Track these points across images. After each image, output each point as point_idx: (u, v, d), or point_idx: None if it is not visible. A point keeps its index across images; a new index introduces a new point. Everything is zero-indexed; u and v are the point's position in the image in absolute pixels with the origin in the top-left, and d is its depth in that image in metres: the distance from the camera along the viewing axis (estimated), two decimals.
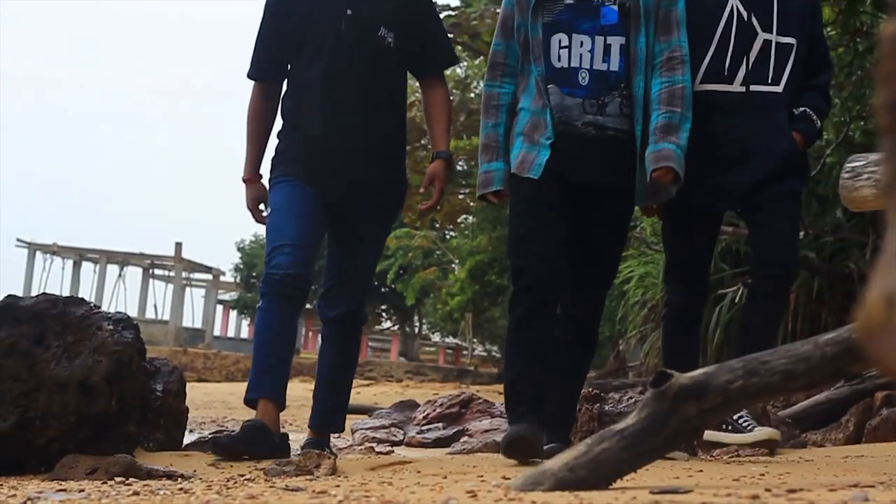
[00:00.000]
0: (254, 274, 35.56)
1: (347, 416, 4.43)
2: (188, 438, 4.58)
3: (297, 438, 6.25)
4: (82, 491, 2.76)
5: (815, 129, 3.99)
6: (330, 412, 4.20)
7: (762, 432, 3.93)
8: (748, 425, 3.93)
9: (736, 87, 3.91)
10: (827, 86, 4.16)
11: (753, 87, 3.92)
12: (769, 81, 3.94)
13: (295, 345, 4.18)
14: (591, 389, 5.06)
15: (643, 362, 9.49)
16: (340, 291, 4.10)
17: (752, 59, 3.93)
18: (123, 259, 35.47)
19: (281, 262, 3.90)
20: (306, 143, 4.04)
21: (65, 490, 2.83)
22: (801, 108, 3.97)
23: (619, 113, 3.71)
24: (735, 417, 3.92)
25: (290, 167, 4.04)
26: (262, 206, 4.15)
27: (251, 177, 4.20)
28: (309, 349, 36.25)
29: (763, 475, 2.97)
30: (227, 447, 3.78)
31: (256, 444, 3.76)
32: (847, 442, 5.02)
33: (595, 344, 4.01)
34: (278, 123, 4.22)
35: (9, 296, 3.72)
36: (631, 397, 4.82)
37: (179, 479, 3.19)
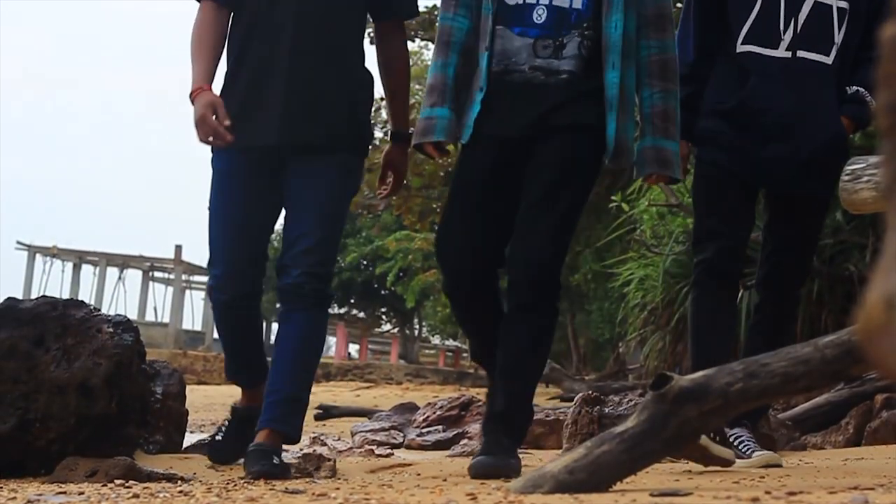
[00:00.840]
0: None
1: (348, 417, 4.40)
2: (188, 441, 4.57)
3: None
4: (82, 493, 2.76)
5: (868, 112, 3.55)
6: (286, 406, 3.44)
7: (761, 457, 3.57)
8: (747, 449, 3.61)
9: (781, 51, 3.52)
10: None
11: (801, 53, 3.52)
12: (819, 49, 3.52)
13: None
14: (590, 392, 5.06)
15: (643, 365, 9.49)
16: (297, 259, 3.43)
17: (801, 21, 3.51)
18: (123, 261, 35.46)
19: (220, 285, 3.56)
20: (251, 89, 3.44)
21: (65, 492, 2.83)
22: (854, 88, 3.59)
23: (576, 54, 3.18)
24: (735, 442, 3.60)
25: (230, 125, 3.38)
26: (215, 114, 3.33)
27: (200, 86, 3.40)
28: None
29: (763, 478, 2.97)
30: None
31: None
32: (847, 444, 5.02)
33: (546, 318, 3.25)
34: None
35: (9, 298, 3.71)
36: (631, 400, 4.82)
37: (179, 482, 3.19)
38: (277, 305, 3.66)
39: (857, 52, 3.59)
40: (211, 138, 3.34)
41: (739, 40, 3.55)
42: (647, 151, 3.28)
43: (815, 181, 3.57)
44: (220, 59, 3.53)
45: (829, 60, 3.53)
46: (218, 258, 3.56)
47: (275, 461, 3.28)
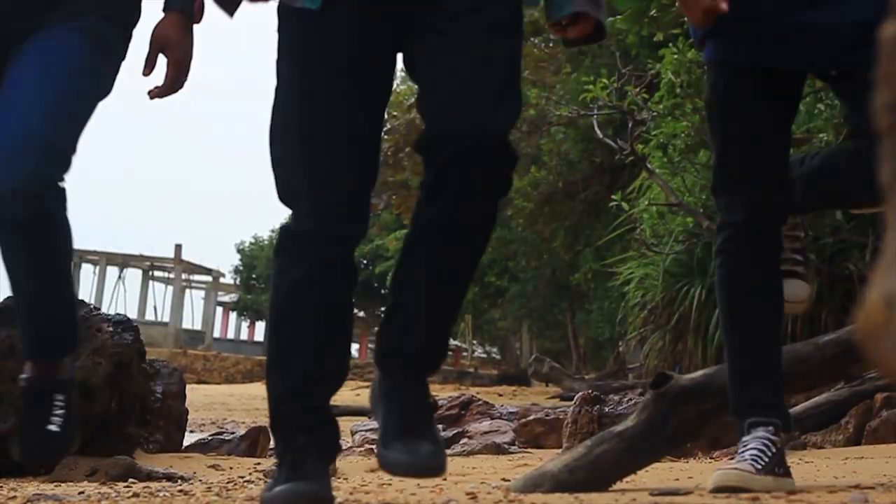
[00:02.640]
0: (253, 276, 35.57)
1: (348, 417, 4.38)
2: (188, 440, 4.58)
3: None
4: (82, 493, 2.76)
5: None
6: (41, 332, 2.58)
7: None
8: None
9: None
10: None
11: None
12: None
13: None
14: (590, 391, 5.06)
15: (643, 364, 9.49)
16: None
17: None
18: (123, 261, 35.46)
19: None
20: None
21: (65, 491, 2.83)
22: None
23: None
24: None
25: None
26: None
27: None
28: None
29: None
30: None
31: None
32: (847, 443, 5.02)
33: None
34: None
35: (9, 297, 3.72)
36: (631, 399, 4.82)
37: (179, 481, 3.19)
38: None
39: None
40: None
41: None
42: None
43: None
44: None
45: None
46: None
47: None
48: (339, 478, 3.32)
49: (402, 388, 2.07)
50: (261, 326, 40.13)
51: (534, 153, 14.01)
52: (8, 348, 3.55)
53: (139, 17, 2.52)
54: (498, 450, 4.84)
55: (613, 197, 9.09)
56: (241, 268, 35.63)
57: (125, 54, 2.50)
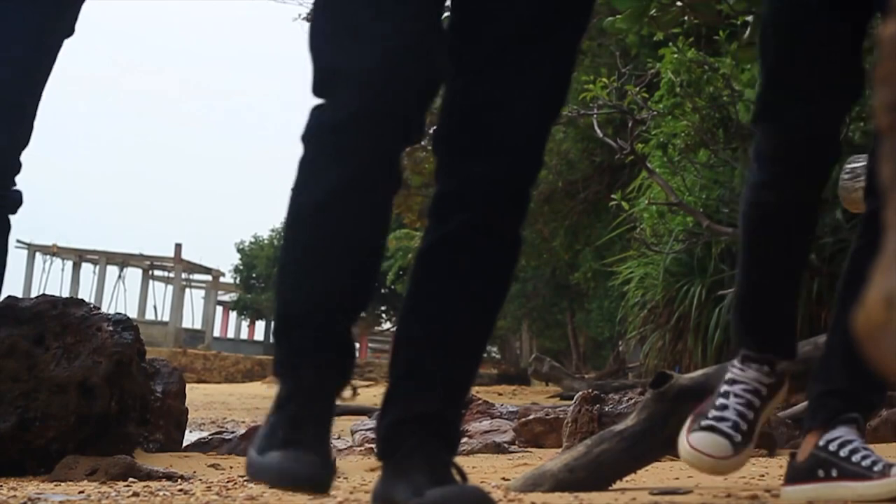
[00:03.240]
0: (253, 275, 35.56)
1: (347, 416, 4.39)
2: (188, 439, 4.58)
3: None
4: (82, 492, 2.76)
5: None
6: None
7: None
8: (875, 465, 2.07)
9: None
10: None
11: None
12: None
13: None
14: (590, 390, 5.06)
15: (643, 363, 9.49)
16: None
17: None
18: (123, 260, 35.46)
19: None
20: None
21: (65, 491, 2.83)
22: None
23: None
24: (847, 453, 2.02)
25: None
26: None
27: None
28: None
29: (763, 476, 2.97)
30: None
31: None
32: None
33: None
34: None
35: (9, 297, 3.72)
36: (631, 398, 4.82)
37: (179, 480, 3.19)
38: None
39: None
40: None
41: None
42: None
43: None
44: None
45: None
46: None
47: None
48: (339, 477, 3.32)
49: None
50: (261, 326, 40.12)
51: None
52: (8, 348, 3.55)
53: None
54: (498, 449, 4.84)
55: (613, 196, 9.09)
56: (241, 267, 35.63)
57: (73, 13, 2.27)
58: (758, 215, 2.13)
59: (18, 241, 34.71)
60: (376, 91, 1.57)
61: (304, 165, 1.65)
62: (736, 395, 2.07)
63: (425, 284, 1.75)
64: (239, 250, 35.82)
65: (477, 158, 1.68)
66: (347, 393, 1.73)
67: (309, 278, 1.70)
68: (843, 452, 2.02)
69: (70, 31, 2.29)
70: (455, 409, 1.74)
